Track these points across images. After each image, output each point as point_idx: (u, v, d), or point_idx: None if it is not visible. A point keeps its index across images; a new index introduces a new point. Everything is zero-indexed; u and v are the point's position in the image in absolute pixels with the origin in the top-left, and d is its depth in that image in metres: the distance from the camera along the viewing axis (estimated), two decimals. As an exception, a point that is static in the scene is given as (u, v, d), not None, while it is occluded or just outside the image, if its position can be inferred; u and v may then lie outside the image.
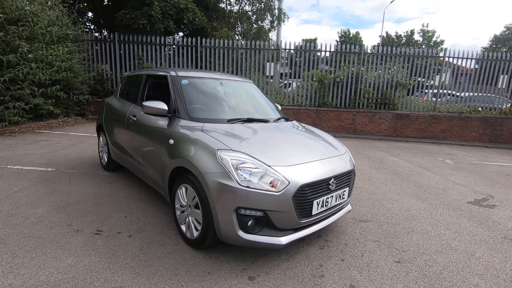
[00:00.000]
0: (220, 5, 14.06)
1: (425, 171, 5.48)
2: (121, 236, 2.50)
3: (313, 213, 2.20)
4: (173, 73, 3.01)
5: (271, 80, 10.04)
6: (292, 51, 9.80)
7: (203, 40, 9.52)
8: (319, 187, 2.21)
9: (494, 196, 4.25)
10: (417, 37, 30.62)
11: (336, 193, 2.38)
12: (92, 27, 11.82)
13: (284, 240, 2.08)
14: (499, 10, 71.76)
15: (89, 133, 6.98)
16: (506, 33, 29.79)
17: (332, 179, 2.30)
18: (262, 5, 12.75)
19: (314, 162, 2.30)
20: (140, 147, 3.07)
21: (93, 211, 2.94)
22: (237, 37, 13.91)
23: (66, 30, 7.46)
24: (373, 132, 9.46)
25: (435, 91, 9.94)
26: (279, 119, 3.22)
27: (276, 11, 12.84)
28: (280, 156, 2.23)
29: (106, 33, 9.58)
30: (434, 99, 9.88)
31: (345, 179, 2.48)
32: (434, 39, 30.03)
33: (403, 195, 4.03)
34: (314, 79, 9.65)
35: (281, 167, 2.11)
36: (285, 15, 13.00)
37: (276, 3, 12.76)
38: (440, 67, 9.89)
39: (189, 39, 9.42)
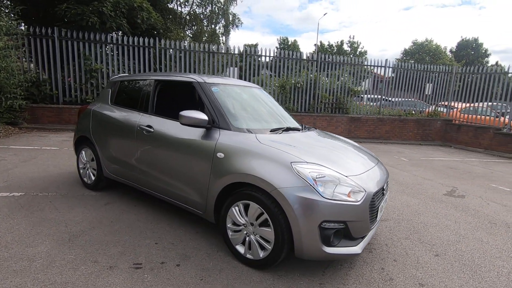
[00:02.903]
0: (169, 5, 13.37)
1: (393, 168, 6.13)
2: (167, 266, 2.17)
3: (377, 219, 2.27)
4: (199, 79, 2.76)
5: None
6: (261, 57, 9.89)
7: (162, 41, 8.92)
8: (379, 194, 2.30)
9: (457, 187, 5.01)
10: (345, 47, 34.24)
11: (385, 197, 2.51)
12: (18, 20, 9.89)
13: (359, 248, 2.10)
14: (401, 26, 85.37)
15: (36, 146, 5.85)
16: (413, 47, 35.63)
17: (385, 185, 2.42)
18: (216, 8, 12.56)
19: (370, 170, 2.39)
20: (165, 162, 2.71)
21: (112, 240, 2.48)
22: (188, 39, 13.39)
23: (-2, 21, 6.11)
24: (331, 135, 10.17)
25: (369, 96, 11.21)
26: (304, 127, 3.23)
27: (230, 16, 12.81)
28: (346, 166, 2.24)
29: (37, 28, 8.13)
30: (370, 103, 11.13)
31: (387, 184, 2.63)
32: (359, 49, 34.04)
33: (394, 192, 4.44)
34: (276, 84, 9.94)
35: (355, 176, 2.14)
36: (239, 20, 13.10)
37: (232, 7, 12.74)
38: (366, 75, 11.09)
39: (146, 39, 8.70)
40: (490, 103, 10.22)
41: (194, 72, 9.39)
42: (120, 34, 9.23)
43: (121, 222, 2.83)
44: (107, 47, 8.59)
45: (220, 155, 2.30)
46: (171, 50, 9.10)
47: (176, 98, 3.19)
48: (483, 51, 38.39)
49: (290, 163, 2.04)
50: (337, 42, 33.40)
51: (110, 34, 8.52)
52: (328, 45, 34.18)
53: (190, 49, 9.13)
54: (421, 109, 11.55)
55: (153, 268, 2.14)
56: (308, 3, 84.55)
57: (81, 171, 3.70)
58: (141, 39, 8.69)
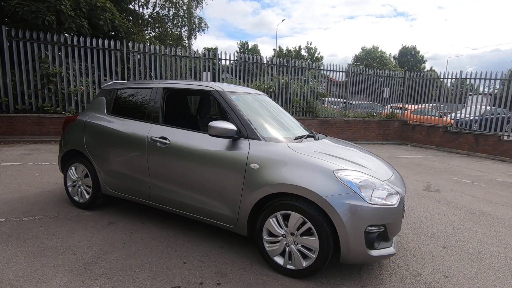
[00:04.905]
0: (130, 6, 12.65)
1: (370, 168, 6.56)
2: (208, 287, 2.06)
3: (404, 218, 2.42)
4: (218, 87, 2.67)
5: None
6: (229, 61, 9.82)
7: (130, 43, 8.40)
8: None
9: (431, 182, 5.53)
10: (303, 52, 35.76)
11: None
12: None
13: (394, 248, 2.22)
14: (347, 33, 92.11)
15: (-8, 162, 5.08)
16: (362, 53, 38.59)
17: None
18: (181, 12, 12.21)
19: (393, 175, 2.54)
20: (185, 176, 2.55)
21: (135, 264, 2.27)
22: (153, 42, 12.80)
23: None
24: (304, 137, 10.50)
25: (331, 99, 11.88)
26: (312, 133, 3.31)
27: (196, 19, 12.55)
28: (377, 171, 2.36)
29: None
30: (333, 106, 11.81)
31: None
32: (316, 55, 35.81)
33: (382, 191, 4.75)
34: (249, 89, 9.98)
35: (387, 181, 2.25)
36: (205, 24, 12.88)
37: (197, 11, 12.47)
38: (323, 79, 11.74)
39: (112, 42, 8.12)
40: (433, 104, 11.55)
41: (162, 76, 8.99)
42: (73, 35, 8.44)
43: (136, 243, 2.60)
44: (67, 49, 7.81)
45: (254, 166, 2.26)
46: (139, 53, 8.61)
47: (190, 107, 3.03)
48: (420, 58, 43.01)
49: (332, 171, 2.08)
50: (295, 47, 34.71)
51: (70, 35, 7.78)
52: (286, 50, 35.35)
53: (160, 52, 8.73)
54: (379, 111, 12.57)
55: (194, 290, 2.01)
56: (261, 8, 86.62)
57: (70, 189, 3.31)
58: (106, 41, 8.08)
